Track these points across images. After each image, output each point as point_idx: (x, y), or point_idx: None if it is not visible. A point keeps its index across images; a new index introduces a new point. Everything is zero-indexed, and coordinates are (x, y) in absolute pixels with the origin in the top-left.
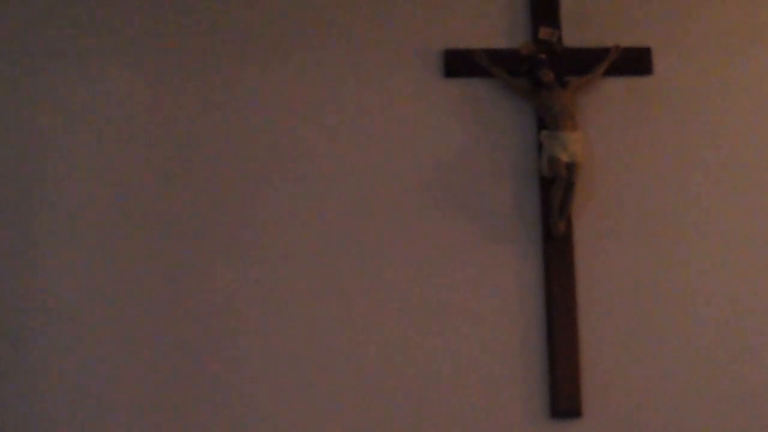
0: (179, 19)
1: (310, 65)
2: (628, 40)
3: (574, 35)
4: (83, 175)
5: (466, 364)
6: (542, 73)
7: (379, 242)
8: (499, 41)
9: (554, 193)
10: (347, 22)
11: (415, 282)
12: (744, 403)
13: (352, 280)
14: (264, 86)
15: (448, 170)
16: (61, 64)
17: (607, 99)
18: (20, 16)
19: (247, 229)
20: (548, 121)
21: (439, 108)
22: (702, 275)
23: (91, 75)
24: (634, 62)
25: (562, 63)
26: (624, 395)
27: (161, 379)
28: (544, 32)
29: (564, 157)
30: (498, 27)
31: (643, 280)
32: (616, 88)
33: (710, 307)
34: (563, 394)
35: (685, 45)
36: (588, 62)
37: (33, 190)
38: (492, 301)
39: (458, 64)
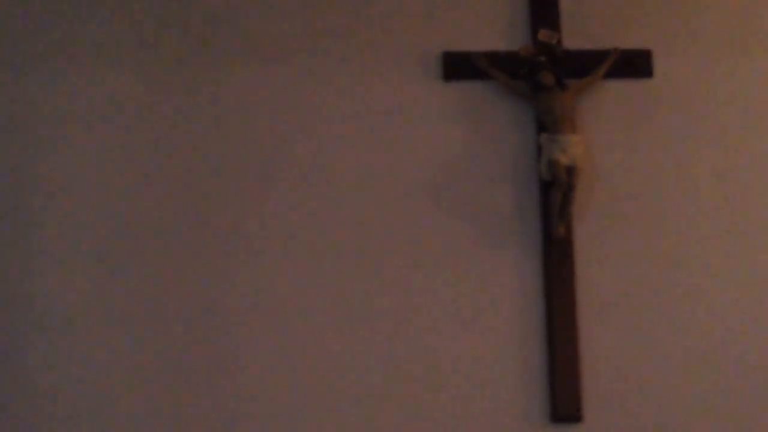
0: (178, 20)
1: (309, 68)
2: (628, 43)
3: (573, 37)
4: (81, 177)
5: (465, 369)
6: (542, 75)
7: (378, 246)
8: (499, 43)
9: (554, 196)
10: (346, 24)
11: (414, 286)
12: (746, 407)
13: (350, 283)
14: (262, 89)
15: (447, 173)
16: (58, 67)
17: (607, 102)
18: (17, 18)
19: (247, 231)
20: (548, 124)
21: (438, 111)
22: (703, 278)
23: (89, 77)
24: (634, 65)
25: (562, 65)
26: (625, 400)
27: (161, 380)
28: (543, 34)
29: (564, 160)
30: (497, 29)
31: (643, 284)
32: (616, 90)
33: (712, 310)
34: (563, 399)
35: (685, 47)
36: (588, 65)
37: (30, 192)
38: (492, 305)
39: (457, 66)
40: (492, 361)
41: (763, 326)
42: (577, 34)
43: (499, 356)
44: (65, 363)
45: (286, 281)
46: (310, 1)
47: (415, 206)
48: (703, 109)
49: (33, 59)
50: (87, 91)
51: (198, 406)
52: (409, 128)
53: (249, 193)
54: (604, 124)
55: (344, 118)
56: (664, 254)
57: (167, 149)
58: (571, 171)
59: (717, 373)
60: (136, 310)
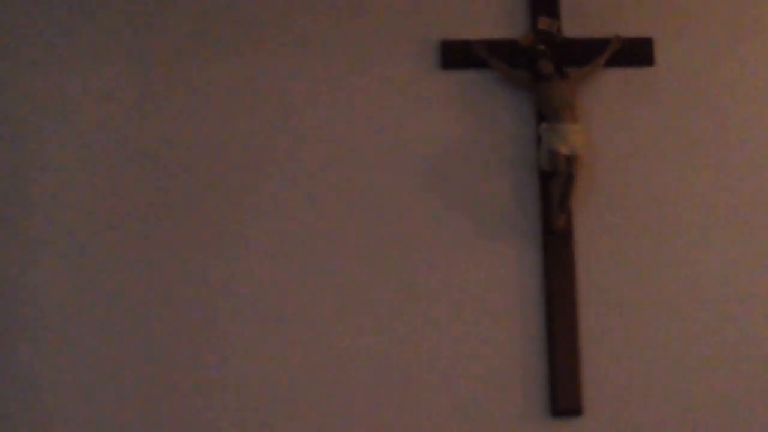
0: (169, 12)
1: (305, 56)
2: (629, 31)
3: (574, 26)
4: (73, 171)
5: (465, 362)
6: (541, 64)
7: (375, 237)
8: (498, 32)
9: (554, 186)
10: (343, 12)
11: (413, 277)
12: (745, 401)
13: (348, 275)
14: (258, 78)
15: (446, 164)
16: (50, 60)
17: (607, 90)
18: (8, 12)
19: (241, 223)
20: (548, 113)
21: (436, 100)
22: (704, 270)
23: (80, 70)
24: (635, 53)
25: (562, 54)
26: (625, 393)
27: (155, 375)
28: (543, 22)
29: (564, 150)
30: (496, 17)
31: (644, 276)
32: (616, 79)
33: (712, 302)
34: (563, 392)
35: (686, 36)
36: (588, 53)
37: (22, 187)
38: (491, 296)
39: (456, 55)
40: (492, 354)
41: (764, 318)
42: (577, 22)
43: (498, 349)
44: (55, 355)
45: (280, 275)
46: None
47: (413, 197)
48: (704, 97)
49: (24, 52)
50: (77, 85)
51: (192, 398)
52: (407, 117)
53: (242, 183)
54: (605, 113)
55: (342, 107)
56: (666, 245)
57: (159, 142)
58: (571, 161)
59: (718, 366)
60: (128, 303)
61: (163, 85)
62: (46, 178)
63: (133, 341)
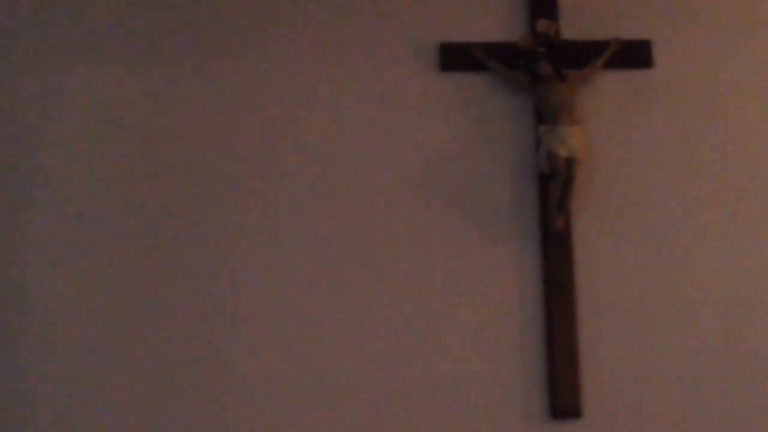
0: (172, 14)
1: (305, 59)
2: (628, 33)
3: (572, 28)
4: (73, 172)
5: (464, 363)
6: (540, 66)
7: (374, 239)
8: (496, 34)
9: (553, 188)
10: (341, 15)
11: (412, 280)
12: (744, 402)
13: (347, 277)
14: (257, 81)
15: (445, 166)
16: (53, 61)
17: (606, 92)
18: (12, 14)
19: (241, 226)
20: (546, 115)
21: (435, 103)
22: (703, 271)
23: (81, 71)
24: (634, 55)
25: (561, 56)
26: (624, 395)
27: (155, 374)
28: (542, 25)
29: (562, 152)
30: (495, 20)
31: (643, 277)
32: (615, 81)
33: (711, 304)
34: (563, 394)
35: (685, 38)
36: (587, 55)
37: (24, 187)
38: (490, 298)
39: (454, 57)
40: (491, 356)
41: (763, 320)
42: (575, 24)
43: (498, 351)
44: (55, 355)
45: (281, 275)
46: None
47: (411, 199)
48: (703, 100)
49: (24, 52)
50: (80, 85)
51: (191, 400)
52: (406, 120)
53: (243, 186)
54: (604, 115)
55: (340, 110)
56: (664, 246)
57: (159, 143)
58: (570, 163)
59: (716, 367)
60: (128, 303)
61: (164, 87)
62: (46, 178)
63: (132, 341)
